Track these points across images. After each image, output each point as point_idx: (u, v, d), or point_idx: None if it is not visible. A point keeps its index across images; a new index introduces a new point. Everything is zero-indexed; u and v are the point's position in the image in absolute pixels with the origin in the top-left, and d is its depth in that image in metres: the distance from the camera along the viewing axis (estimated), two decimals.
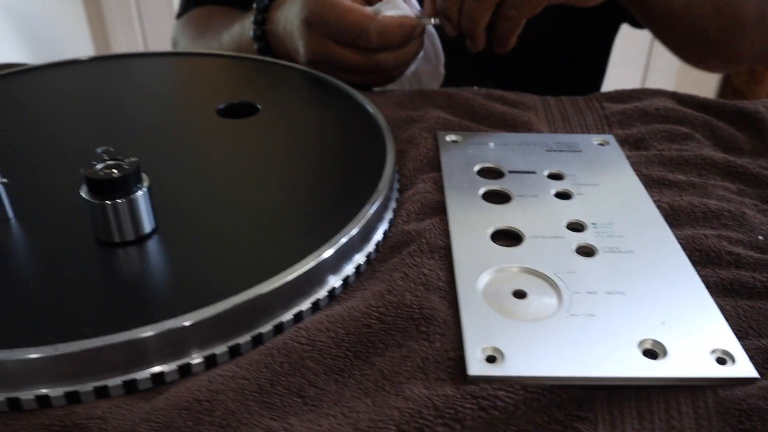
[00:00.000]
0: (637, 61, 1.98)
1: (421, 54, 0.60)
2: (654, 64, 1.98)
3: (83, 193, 0.36)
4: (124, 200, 0.35)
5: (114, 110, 0.52)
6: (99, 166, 0.36)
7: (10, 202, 0.38)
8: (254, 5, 0.65)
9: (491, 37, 0.56)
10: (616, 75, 0.89)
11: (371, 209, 0.38)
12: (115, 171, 0.35)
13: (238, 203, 0.40)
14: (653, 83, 1.98)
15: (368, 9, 0.55)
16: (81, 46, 1.94)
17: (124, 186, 0.35)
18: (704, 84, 1.96)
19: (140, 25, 2.04)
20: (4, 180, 0.38)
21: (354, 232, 0.37)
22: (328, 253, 0.35)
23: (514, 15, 0.52)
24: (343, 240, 0.36)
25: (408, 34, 0.55)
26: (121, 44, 2.02)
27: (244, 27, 0.68)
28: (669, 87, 0.58)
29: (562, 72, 0.83)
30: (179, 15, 0.89)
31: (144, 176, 0.37)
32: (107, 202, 0.35)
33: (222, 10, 0.83)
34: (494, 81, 0.63)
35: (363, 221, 0.38)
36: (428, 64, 0.62)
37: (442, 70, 0.62)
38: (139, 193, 0.36)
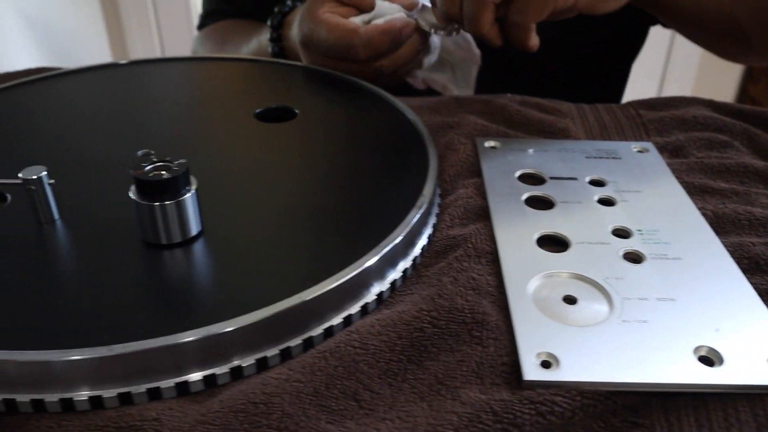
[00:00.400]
0: (652, 73, 1.98)
1: (437, 42, 0.58)
2: (670, 74, 1.97)
3: (132, 194, 0.36)
4: (172, 202, 0.35)
5: (153, 113, 0.52)
6: (148, 167, 0.36)
7: (56, 204, 0.38)
8: (268, 23, 0.66)
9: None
10: (632, 86, 0.88)
11: (417, 214, 0.38)
12: (164, 172, 0.35)
13: (281, 207, 0.40)
14: (669, 94, 1.97)
15: (355, 20, 0.56)
16: (99, 53, 1.95)
17: (173, 187, 0.35)
18: (721, 95, 1.95)
19: (158, 32, 2.05)
20: (51, 181, 0.38)
21: (401, 236, 0.37)
22: (375, 257, 0.35)
23: (519, 21, 0.51)
24: (390, 245, 0.36)
25: (395, 39, 0.54)
26: (139, 51, 2.04)
27: (261, 43, 0.69)
28: None
29: (585, 80, 0.82)
30: (199, 27, 0.90)
31: (192, 178, 0.36)
32: (155, 203, 0.35)
33: (241, 24, 0.83)
34: (518, 87, 0.62)
35: (410, 226, 0.37)
36: (459, 47, 0.60)
37: (476, 50, 0.60)
38: (188, 195, 0.36)
